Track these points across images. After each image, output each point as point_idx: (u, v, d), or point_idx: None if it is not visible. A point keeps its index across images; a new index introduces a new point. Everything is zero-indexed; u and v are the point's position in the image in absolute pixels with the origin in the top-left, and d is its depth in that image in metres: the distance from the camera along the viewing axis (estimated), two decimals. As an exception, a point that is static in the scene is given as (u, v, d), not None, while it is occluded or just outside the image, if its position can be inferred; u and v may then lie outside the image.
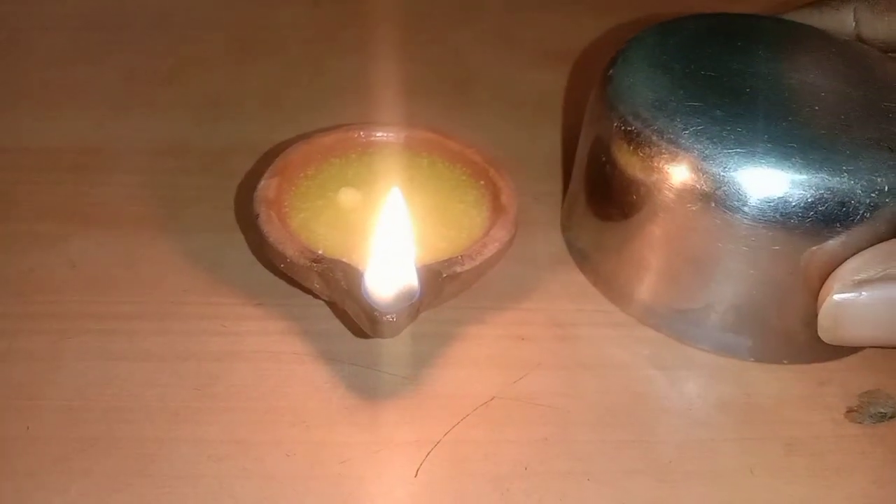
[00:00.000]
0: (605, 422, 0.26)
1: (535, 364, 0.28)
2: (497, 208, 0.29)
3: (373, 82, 0.43)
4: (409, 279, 0.24)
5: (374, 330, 0.25)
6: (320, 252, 0.26)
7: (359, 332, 0.28)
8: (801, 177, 0.25)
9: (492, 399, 0.27)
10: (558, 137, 0.39)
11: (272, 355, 0.28)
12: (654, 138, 0.27)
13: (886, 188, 0.25)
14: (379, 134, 0.32)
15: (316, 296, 0.28)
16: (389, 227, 0.26)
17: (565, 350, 0.29)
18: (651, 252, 0.28)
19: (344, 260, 0.26)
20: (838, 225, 0.25)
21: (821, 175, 0.25)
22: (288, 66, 0.44)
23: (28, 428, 0.25)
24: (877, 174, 0.25)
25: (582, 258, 0.32)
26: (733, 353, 0.29)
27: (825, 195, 0.25)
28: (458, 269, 0.26)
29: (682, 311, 0.29)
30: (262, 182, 0.28)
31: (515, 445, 0.25)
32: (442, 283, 0.26)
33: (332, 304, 0.28)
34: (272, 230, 0.27)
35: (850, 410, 0.27)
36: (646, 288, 0.29)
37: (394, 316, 0.24)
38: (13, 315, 0.28)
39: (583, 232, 0.32)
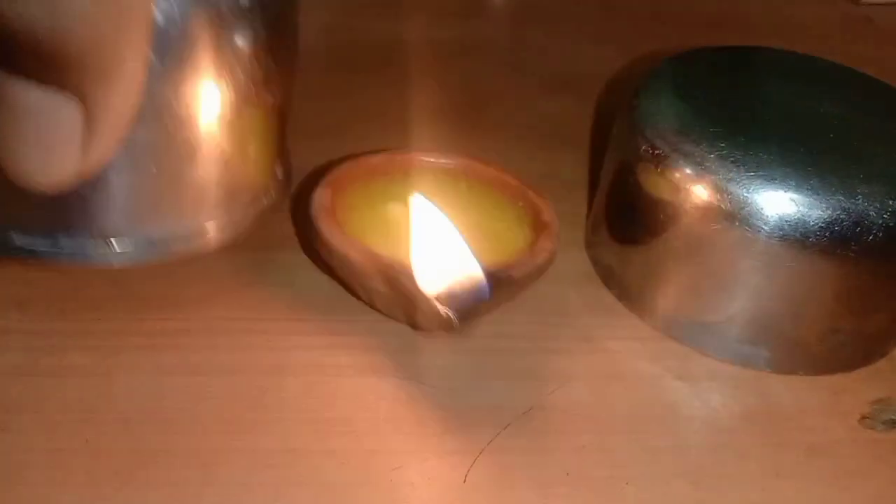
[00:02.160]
0: (639, 430, 0.28)
1: (568, 376, 0.29)
2: (538, 226, 0.30)
3: (386, 108, 0.44)
4: (477, 279, 0.26)
5: (442, 326, 0.26)
6: (382, 253, 0.27)
7: (425, 332, 0.29)
8: (819, 199, 0.27)
9: (530, 409, 0.28)
10: (572, 160, 0.41)
11: (318, 369, 0.29)
12: (681, 162, 0.29)
13: None
14: (420, 158, 0.33)
15: (371, 305, 0.29)
16: (454, 231, 0.27)
17: (596, 363, 0.30)
18: (675, 268, 0.30)
19: (405, 260, 0.27)
20: (853, 244, 0.27)
21: (837, 197, 0.27)
22: (302, 93, 0.45)
23: (87, 441, 0.26)
24: (889, 197, 0.27)
25: (607, 274, 0.33)
26: (752, 365, 0.30)
27: (841, 216, 0.27)
28: (514, 273, 0.28)
29: (703, 323, 0.30)
30: (318, 191, 0.30)
31: (556, 453, 0.27)
32: (500, 287, 0.27)
33: (378, 307, 0.29)
34: (335, 234, 0.28)
35: (863, 417, 0.29)
36: (670, 302, 0.31)
37: (465, 314, 0.25)
38: (62, 332, 0.29)
39: (608, 249, 0.33)
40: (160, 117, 0.23)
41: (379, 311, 0.30)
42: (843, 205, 0.27)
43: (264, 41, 0.25)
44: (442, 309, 0.25)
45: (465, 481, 0.26)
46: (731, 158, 0.28)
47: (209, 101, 0.24)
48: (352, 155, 0.33)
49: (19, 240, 0.24)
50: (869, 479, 0.27)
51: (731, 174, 0.28)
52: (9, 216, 0.24)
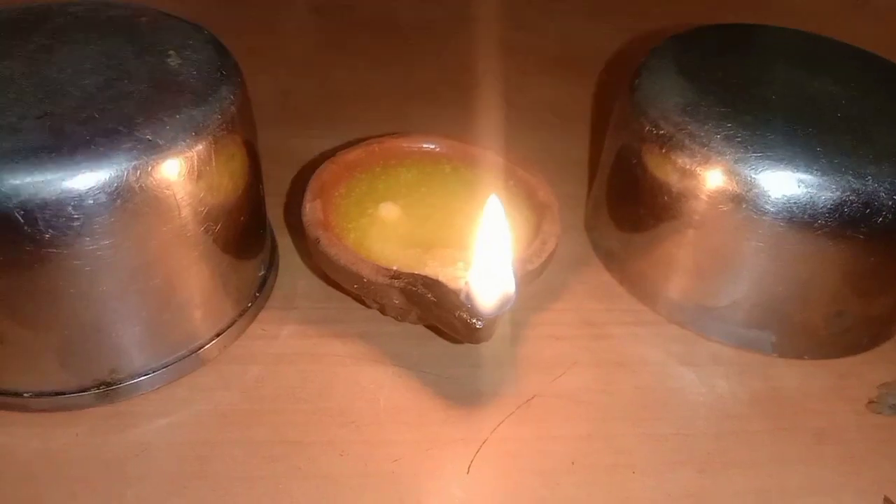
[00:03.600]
0: (644, 416, 0.27)
1: (571, 362, 0.29)
2: (536, 206, 0.29)
3: (380, 89, 0.44)
4: (506, 285, 0.25)
5: (473, 336, 0.25)
6: (395, 268, 0.26)
7: (448, 338, 0.28)
8: (828, 180, 0.26)
9: (533, 397, 0.27)
10: (570, 141, 0.40)
11: (314, 357, 0.28)
12: (686, 142, 0.28)
13: None
14: (397, 145, 0.32)
15: (381, 312, 0.28)
16: (487, 235, 0.25)
17: (599, 348, 0.29)
18: (679, 251, 0.29)
19: (422, 273, 0.26)
20: (862, 226, 0.26)
21: (847, 178, 0.26)
22: (297, 74, 0.44)
23: (77, 435, 0.25)
24: None
25: (608, 257, 0.33)
26: (758, 349, 0.30)
27: (851, 197, 0.26)
28: (530, 266, 0.27)
29: (708, 307, 0.30)
30: (307, 205, 0.28)
31: (561, 441, 0.26)
32: (519, 283, 0.26)
33: (390, 314, 0.28)
34: (341, 253, 0.26)
35: (870, 402, 0.29)
36: (673, 286, 0.30)
37: (493, 321, 0.24)
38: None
39: (609, 232, 0.33)
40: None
41: (391, 317, 0.28)
42: (853, 186, 0.26)
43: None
44: (469, 319, 0.24)
45: (468, 472, 0.25)
46: (738, 139, 0.27)
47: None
48: (327, 152, 0.31)
49: None
50: (877, 464, 0.26)
51: (738, 155, 0.27)
52: None
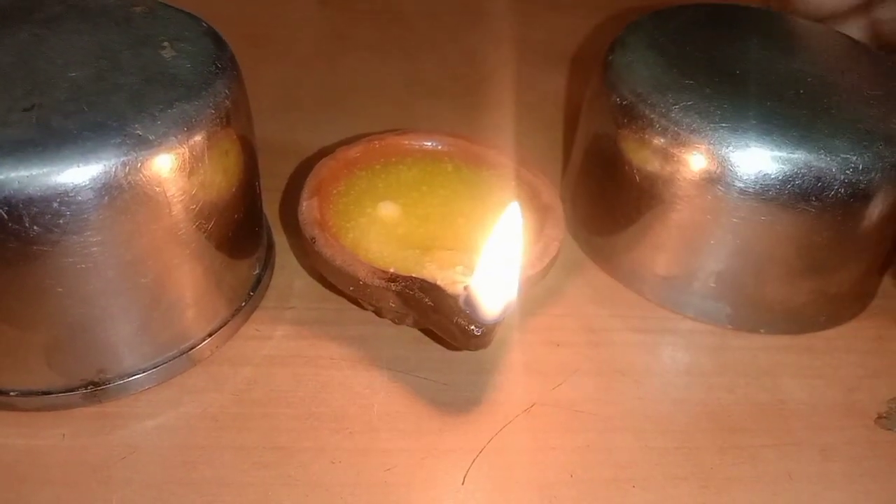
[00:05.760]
0: (646, 428, 0.26)
1: (572, 370, 0.28)
2: (539, 207, 0.29)
3: (384, 82, 0.43)
4: (508, 292, 0.24)
5: (471, 343, 0.24)
6: (392, 270, 0.25)
7: (445, 343, 0.28)
8: (781, 153, 0.26)
9: (532, 406, 0.27)
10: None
11: (308, 360, 0.27)
12: (646, 111, 0.28)
13: (861, 167, 0.26)
14: (399, 142, 0.31)
15: (378, 314, 0.27)
16: (498, 242, 0.25)
17: (601, 356, 0.29)
18: (640, 219, 0.29)
19: (420, 276, 0.25)
20: (814, 199, 0.26)
21: (799, 152, 0.26)
22: (300, 65, 0.43)
23: (64, 436, 0.24)
24: (853, 153, 0.26)
25: (577, 226, 0.33)
26: (713, 320, 0.30)
27: (802, 170, 0.26)
28: (531, 271, 0.26)
29: (667, 277, 0.30)
30: (304, 203, 0.27)
31: (559, 452, 0.25)
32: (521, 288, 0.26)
33: (387, 317, 0.28)
34: (337, 253, 0.26)
35: (879, 417, 0.28)
36: (635, 256, 0.30)
37: (492, 328, 0.24)
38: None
39: (579, 202, 0.33)
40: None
41: (388, 319, 0.28)
42: (805, 159, 0.26)
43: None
44: (467, 326, 0.23)
45: (463, 483, 0.24)
46: (696, 109, 0.27)
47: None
48: (326, 149, 0.31)
49: None
50: (888, 482, 0.26)
51: (694, 125, 0.27)
52: None
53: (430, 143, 0.31)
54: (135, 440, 0.24)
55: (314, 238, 0.26)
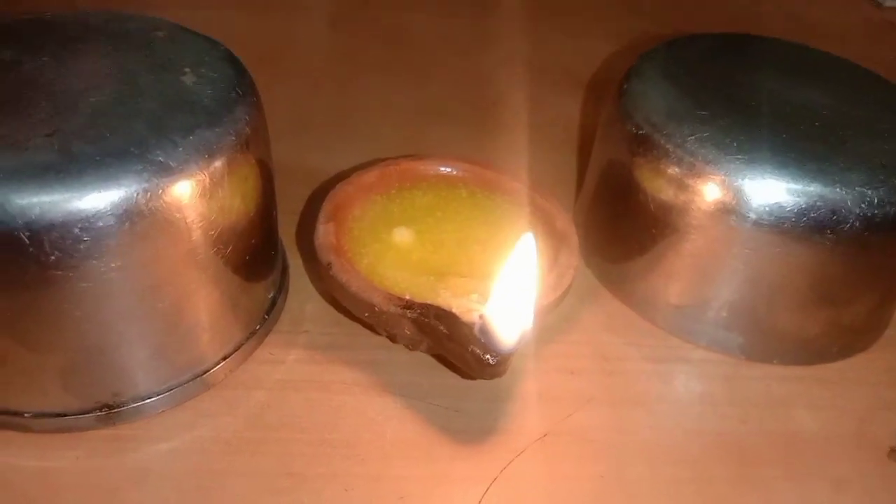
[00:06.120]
0: (660, 459, 0.26)
1: (585, 399, 0.28)
2: (553, 234, 0.29)
3: (397, 105, 0.43)
4: (524, 322, 0.24)
5: (486, 372, 0.24)
6: (408, 297, 0.25)
7: (459, 371, 0.27)
8: (797, 185, 0.26)
9: (545, 435, 0.27)
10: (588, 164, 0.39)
11: (321, 385, 0.27)
12: (662, 142, 0.28)
13: (876, 200, 0.26)
14: (414, 167, 0.31)
15: (391, 340, 0.27)
16: (512, 270, 0.25)
17: (615, 385, 0.29)
18: (653, 248, 0.29)
19: (435, 304, 0.25)
20: (829, 232, 0.26)
21: (815, 185, 0.26)
22: (312, 87, 0.43)
23: (77, 458, 0.24)
24: (867, 187, 0.26)
25: (590, 252, 0.33)
26: (726, 350, 0.30)
27: (818, 203, 0.26)
28: (545, 300, 0.26)
29: (680, 306, 0.30)
30: (320, 228, 0.27)
31: (573, 482, 0.25)
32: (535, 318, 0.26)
33: (401, 343, 0.27)
34: (353, 279, 0.26)
35: (892, 450, 0.28)
36: (648, 284, 0.30)
37: (507, 357, 0.24)
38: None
39: (592, 228, 0.33)
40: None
41: (401, 345, 0.27)
42: (820, 192, 0.26)
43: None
44: (482, 355, 0.23)
45: (476, 512, 0.24)
46: (712, 141, 0.27)
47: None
48: (343, 173, 0.31)
49: None
50: (900, 517, 0.26)
51: (710, 156, 0.27)
52: None
53: (444, 169, 0.32)
54: (148, 463, 0.24)
55: (330, 263, 0.26)
